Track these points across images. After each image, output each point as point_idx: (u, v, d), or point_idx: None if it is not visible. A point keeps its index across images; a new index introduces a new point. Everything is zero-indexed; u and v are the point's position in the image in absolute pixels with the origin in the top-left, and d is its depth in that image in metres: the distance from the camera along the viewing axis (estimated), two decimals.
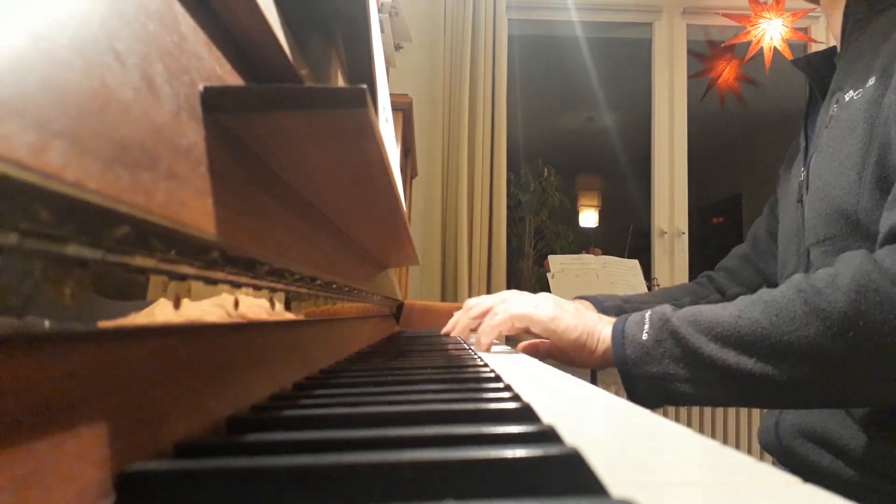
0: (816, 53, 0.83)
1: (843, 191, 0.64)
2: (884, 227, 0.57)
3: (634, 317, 0.66)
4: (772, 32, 2.71)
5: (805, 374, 0.54)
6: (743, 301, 0.59)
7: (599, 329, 0.69)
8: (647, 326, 0.63)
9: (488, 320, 0.76)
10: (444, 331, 0.87)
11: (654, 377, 0.61)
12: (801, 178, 0.76)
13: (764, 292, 0.59)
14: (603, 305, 0.90)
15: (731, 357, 0.57)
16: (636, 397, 0.64)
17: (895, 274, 0.51)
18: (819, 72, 0.81)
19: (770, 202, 0.97)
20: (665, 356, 0.61)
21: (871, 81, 0.64)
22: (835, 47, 0.81)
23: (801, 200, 0.76)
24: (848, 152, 0.65)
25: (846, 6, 0.75)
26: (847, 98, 0.68)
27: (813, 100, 0.82)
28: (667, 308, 0.64)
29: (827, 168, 0.68)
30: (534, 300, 0.75)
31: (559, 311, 0.71)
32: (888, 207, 0.58)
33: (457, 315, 0.85)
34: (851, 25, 0.74)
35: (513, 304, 0.75)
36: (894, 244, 0.55)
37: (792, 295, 0.56)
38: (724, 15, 2.70)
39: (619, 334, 0.65)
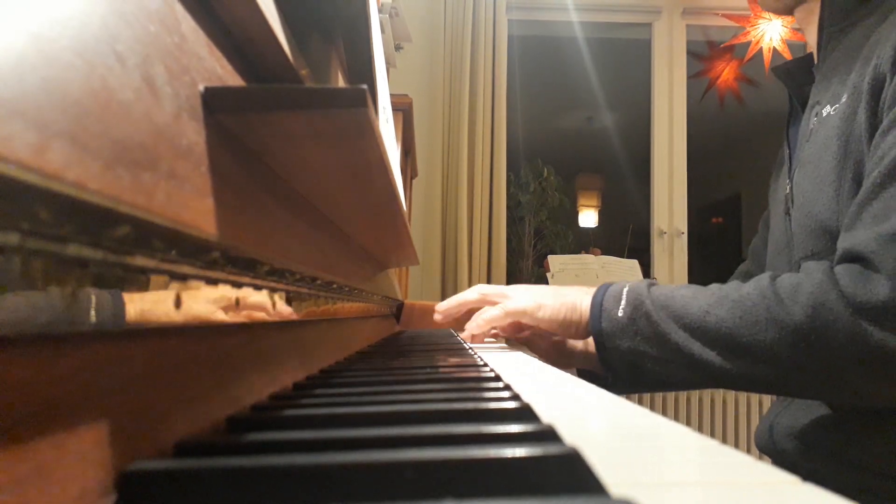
0: (795, 61, 0.84)
1: (824, 207, 0.66)
2: (840, 247, 0.60)
3: (613, 290, 0.70)
4: (771, 33, 2.71)
5: (761, 372, 0.59)
6: (714, 294, 0.63)
7: (580, 302, 0.73)
8: (623, 303, 0.67)
9: (482, 313, 0.79)
10: (437, 308, 0.87)
11: (625, 351, 0.66)
12: (787, 191, 0.77)
13: (733, 289, 0.63)
14: None
15: (696, 347, 0.62)
16: (608, 365, 0.70)
17: (850, 295, 0.55)
18: (797, 80, 0.82)
19: (764, 217, 0.98)
20: (637, 335, 0.65)
21: (844, 98, 0.66)
22: (812, 55, 0.82)
23: (788, 213, 0.77)
24: (826, 169, 0.66)
25: (820, 19, 0.75)
26: (825, 113, 0.69)
27: (793, 110, 0.83)
28: (643, 287, 0.68)
29: (809, 183, 0.70)
30: (525, 294, 0.77)
31: (541, 297, 0.75)
32: (845, 228, 0.60)
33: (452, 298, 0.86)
34: (826, 38, 0.74)
35: (509, 300, 0.78)
36: (851, 264, 0.57)
37: (756, 298, 0.60)
38: (723, 15, 2.70)
39: (597, 307, 0.70)
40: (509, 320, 0.76)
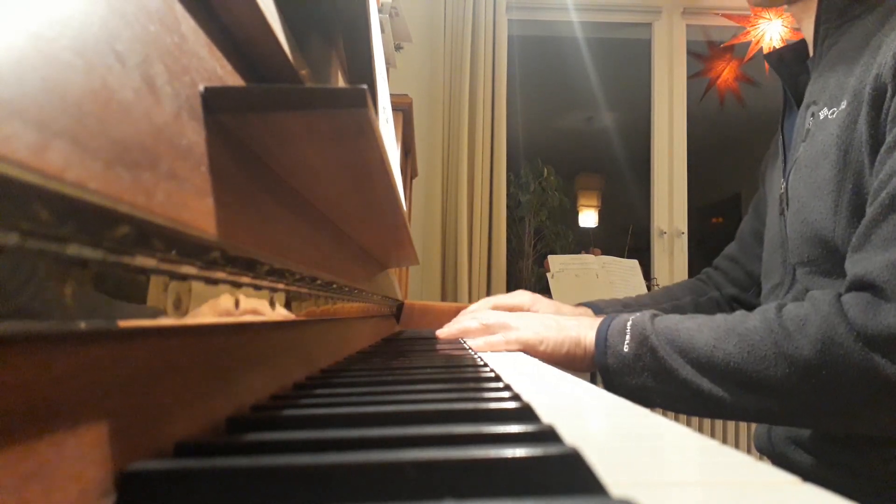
0: (788, 48, 0.82)
1: (820, 215, 0.65)
2: (850, 272, 0.59)
3: (616, 324, 0.69)
4: (771, 32, 2.71)
5: (770, 407, 0.59)
6: (720, 327, 0.63)
7: (583, 335, 0.72)
8: (627, 338, 0.67)
9: (486, 338, 0.78)
10: (438, 334, 0.87)
11: (633, 388, 0.66)
12: (782, 191, 0.76)
13: (738, 321, 0.62)
14: (603, 312, 0.92)
15: (704, 383, 0.61)
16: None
17: (860, 328, 0.54)
18: (791, 69, 0.80)
19: (754, 201, 0.97)
20: (644, 370, 0.65)
21: (844, 104, 0.64)
22: (805, 43, 0.80)
23: (782, 213, 0.76)
24: (823, 177, 0.65)
25: (817, 14, 0.74)
26: (822, 116, 0.68)
27: (787, 101, 0.82)
28: (647, 321, 0.67)
29: (804, 189, 0.68)
30: (527, 327, 0.76)
31: (544, 330, 0.74)
32: (853, 250, 0.59)
33: (459, 319, 0.86)
34: (823, 34, 0.73)
35: (511, 331, 0.77)
36: (861, 292, 0.56)
37: (764, 333, 0.59)
38: (723, 15, 2.70)
39: (601, 342, 0.69)
40: (510, 349, 0.75)
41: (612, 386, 0.68)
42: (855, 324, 0.54)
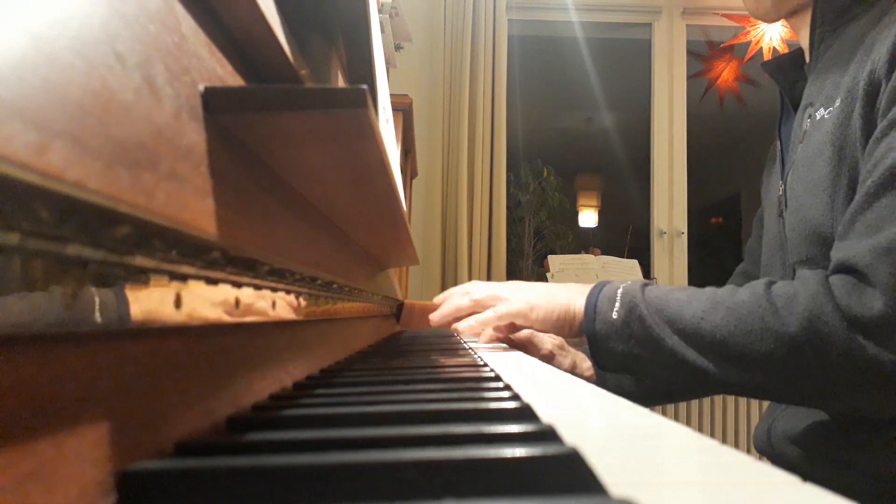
0: (785, 57, 0.83)
1: (818, 213, 0.66)
2: (834, 258, 0.59)
3: (607, 291, 0.69)
4: (771, 33, 2.71)
5: (756, 381, 0.59)
6: (709, 300, 0.63)
7: (574, 302, 0.73)
8: (617, 305, 0.67)
9: (477, 316, 0.79)
10: (431, 318, 0.87)
11: (619, 354, 0.66)
12: (780, 193, 0.77)
13: (728, 295, 0.62)
14: None
15: (690, 354, 0.62)
16: (602, 366, 0.70)
17: (845, 308, 0.55)
18: (788, 77, 0.81)
19: (758, 215, 0.98)
20: (631, 337, 0.65)
21: (838, 102, 0.65)
22: (802, 50, 0.81)
23: (781, 215, 0.77)
24: (819, 174, 0.66)
25: (812, 19, 0.74)
26: (818, 116, 0.69)
27: (785, 107, 0.82)
28: (637, 289, 0.67)
29: (802, 188, 0.69)
30: (517, 297, 0.77)
31: (534, 299, 0.75)
32: (839, 237, 0.60)
33: (450, 294, 0.86)
34: (819, 38, 0.74)
35: (501, 303, 0.78)
36: (847, 275, 0.57)
37: (752, 307, 0.59)
38: (723, 15, 2.70)
39: (591, 308, 0.69)
40: (502, 323, 0.76)
41: (598, 352, 0.68)
42: (841, 304, 0.55)
